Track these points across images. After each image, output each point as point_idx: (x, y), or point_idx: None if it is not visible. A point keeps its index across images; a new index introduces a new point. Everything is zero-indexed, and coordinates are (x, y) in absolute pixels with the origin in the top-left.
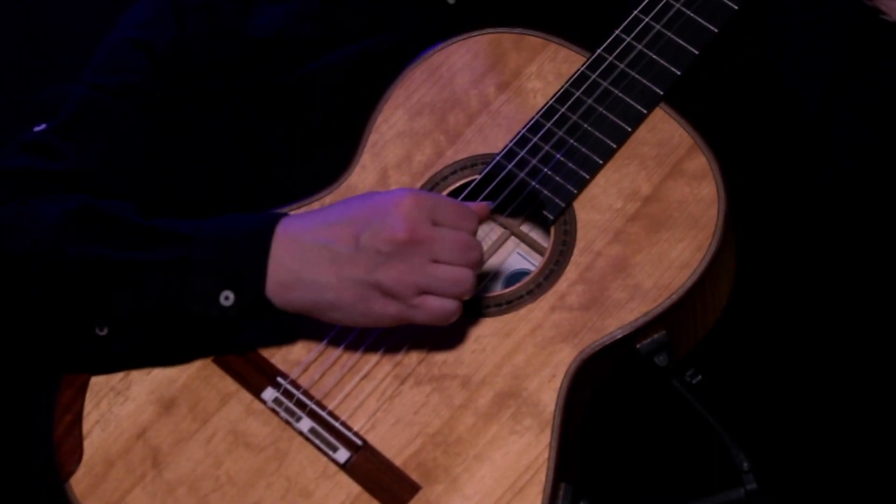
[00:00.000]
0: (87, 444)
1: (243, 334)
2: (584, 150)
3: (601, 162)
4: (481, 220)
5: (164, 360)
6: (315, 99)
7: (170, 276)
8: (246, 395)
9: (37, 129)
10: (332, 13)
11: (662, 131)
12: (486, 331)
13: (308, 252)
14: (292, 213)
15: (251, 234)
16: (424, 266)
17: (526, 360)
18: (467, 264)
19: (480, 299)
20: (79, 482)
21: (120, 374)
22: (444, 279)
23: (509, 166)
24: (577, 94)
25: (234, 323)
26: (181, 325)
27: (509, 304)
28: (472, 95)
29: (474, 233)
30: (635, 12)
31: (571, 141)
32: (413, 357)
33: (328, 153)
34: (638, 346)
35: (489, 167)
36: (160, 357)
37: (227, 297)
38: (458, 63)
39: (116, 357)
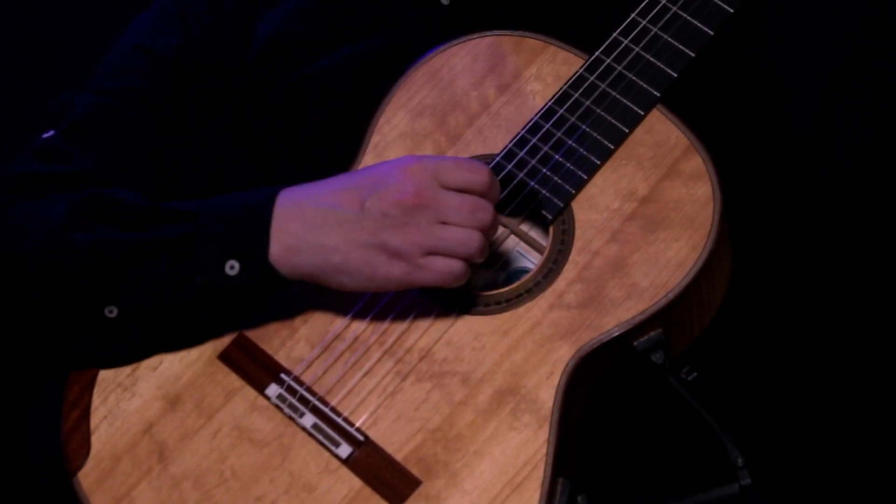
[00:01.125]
0: (94, 438)
1: (250, 307)
2: (582, 150)
3: (599, 162)
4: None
5: (174, 341)
6: (315, 99)
7: (177, 253)
8: (250, 392)
9: (45, 135)
10: (330, 13)
11: (659, 132)
12: (485, 328)
13: (313, 216)
14: None
15: (253, 203)
16: (431, 227)
17: (525, 358)
18: (475, 226)
19: (480, 297)
20: (86, 476)
21: (127, 370)
22: (451, 239)
23: (509, 167)
24: (576, 95)
25: (241, 293)
26: (189, 301)
27: (508, 303)
28: (472, 97)
29: (486, 187)
30: (633, 15)
31: (570, 142)
32: (414, 354)
33: (328, 154)
34: (635, 343)
35: (489, 167)
36: (170, 339)
37: (233, 267)
38: (459, 65)
39: (126, 342)
